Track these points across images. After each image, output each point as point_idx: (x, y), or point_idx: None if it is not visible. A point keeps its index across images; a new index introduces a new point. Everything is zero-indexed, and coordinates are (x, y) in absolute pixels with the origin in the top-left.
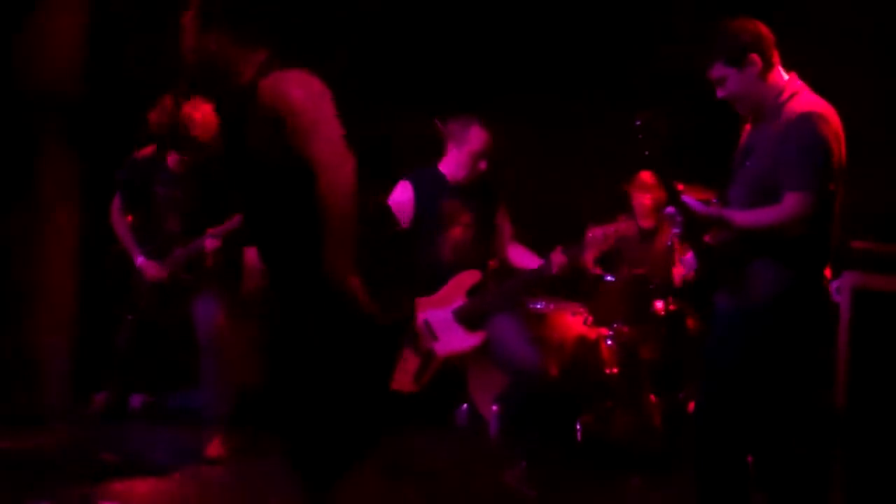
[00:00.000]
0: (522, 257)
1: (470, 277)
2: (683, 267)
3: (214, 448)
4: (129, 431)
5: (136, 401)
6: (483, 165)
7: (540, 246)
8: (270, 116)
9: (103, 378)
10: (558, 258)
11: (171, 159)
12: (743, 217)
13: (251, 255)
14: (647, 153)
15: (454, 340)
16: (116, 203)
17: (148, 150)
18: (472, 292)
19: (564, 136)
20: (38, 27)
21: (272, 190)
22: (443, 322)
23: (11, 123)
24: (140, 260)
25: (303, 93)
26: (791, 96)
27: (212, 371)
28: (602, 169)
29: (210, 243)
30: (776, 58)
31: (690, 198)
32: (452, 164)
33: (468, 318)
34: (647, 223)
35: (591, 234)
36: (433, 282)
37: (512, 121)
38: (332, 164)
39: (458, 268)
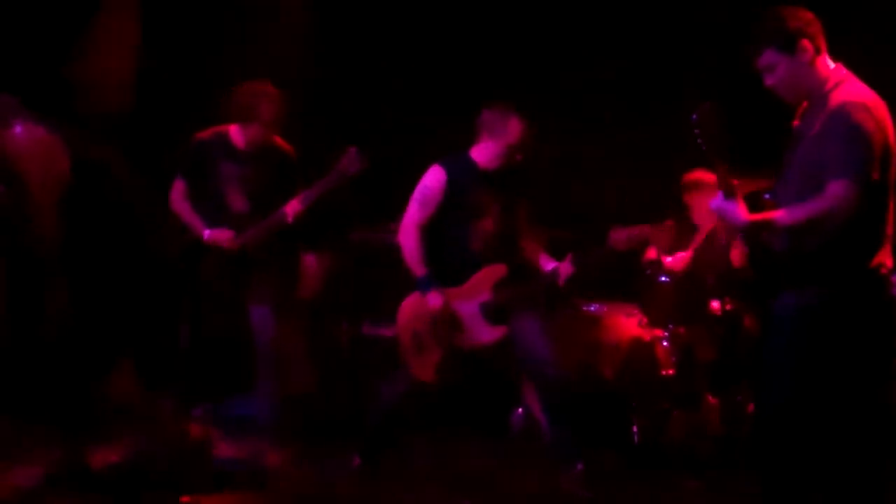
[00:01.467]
0: (539, 257)
1: (496, 271)
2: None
3: (274, 457)
4: None
5: (198, 410)
6: (519, 157)
7: (570, 246)
8: None
9: (165, 387)
10: (566, 269)
11: (240, 137)
12: (786, 215)
13: (310, 261)
14: (704, 148)
15: (479, 333)
16: (178, 187)
17: (208, 132)
18: (498, 286)
19: (615, 137)
20: (94, 42)
21: None
22: (468, 314)
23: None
24: (207, 233)
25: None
26: (836, 86)
27: (268, 380)
28: (654, 168)
29: (292, 208)
30: (824, 45)
31: (734, 206)
32: (487, 154)
33: (493, 312)
34: (706, 223)
35: (614, 236)
36: (461, 272)
37: (559, 120)
38: None
39: (487, 259)
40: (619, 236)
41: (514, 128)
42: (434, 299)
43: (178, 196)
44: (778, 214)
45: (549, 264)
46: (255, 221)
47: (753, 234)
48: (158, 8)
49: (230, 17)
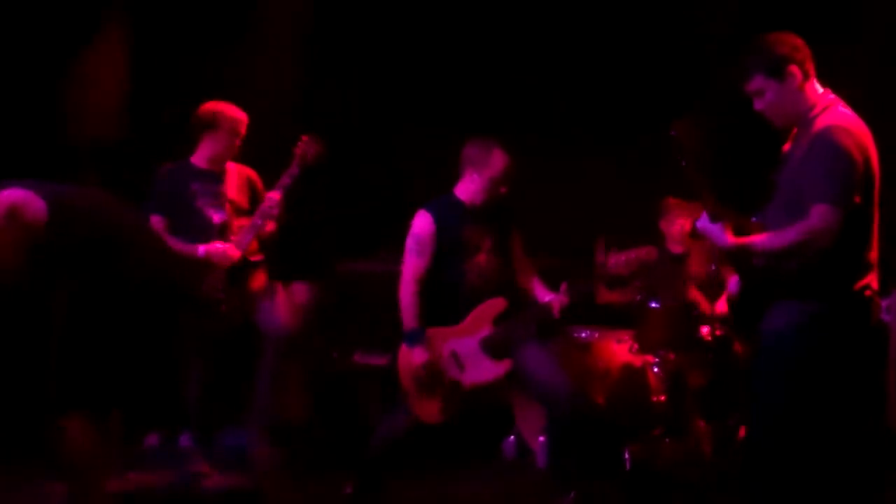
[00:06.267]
0: (534, 287)
1: (495, 305)
2: (730, 290)
3: (264, 485)
4: (178, 469)
5: (186, 440)
6: (504, 190)
7: (563, 275)
8: None
9: (153, 418)
10: (560, 300)
11: (202, 157)
12: (768, 240)
13: (299, 290)
14: (683, 164)
15: (481, 370)
16: (156, 223)
17: (172, 163)
18: (498, 321)
19: (588, 162)
20: (82, 75)
21: None
22: (469, 352)
23: (57, 168)
24: (202, 249)
25: None
26: (822, 111)
27: (262, 408)
28: (629, 194)
29: (272, 197)
30: (812, 71)
31: (719, 228)
32: (471, 190)
33: (494, 348)
34: (677, 249)
35: (612, 261)
36: (459, 310)
37: (535, 146)
38: None
39: (484, 295)
40: (618, 260)
41: (496, 160)
42: (418, 356)
43: (158, 230)
44: (760, 238)
45: (545, 295)
46: (238, 229)
47: (737, 257)
48: (150, 37)
49: (222, 45)
